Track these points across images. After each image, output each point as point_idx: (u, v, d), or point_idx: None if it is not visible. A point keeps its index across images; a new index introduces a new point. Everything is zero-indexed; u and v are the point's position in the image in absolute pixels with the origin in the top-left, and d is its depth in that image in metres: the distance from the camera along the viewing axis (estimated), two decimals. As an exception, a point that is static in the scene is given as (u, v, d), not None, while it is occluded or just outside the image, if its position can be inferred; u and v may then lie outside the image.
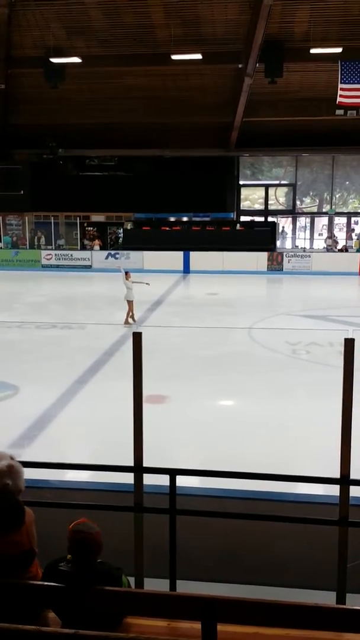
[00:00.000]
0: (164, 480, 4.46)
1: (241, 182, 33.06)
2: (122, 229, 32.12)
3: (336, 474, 4.28)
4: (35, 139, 29.49)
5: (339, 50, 23.20)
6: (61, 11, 24.26)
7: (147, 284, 17.23)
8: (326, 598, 4.38)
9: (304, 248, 31.74)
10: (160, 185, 30.73)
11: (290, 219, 33.93)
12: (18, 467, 3.61)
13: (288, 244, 33.47)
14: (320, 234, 33.65)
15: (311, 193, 33.81)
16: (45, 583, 3.31)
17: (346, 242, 31.10)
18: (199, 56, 23.60)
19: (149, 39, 24.72)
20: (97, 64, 25.67)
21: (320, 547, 4.74)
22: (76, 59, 24.72)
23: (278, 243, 31.85)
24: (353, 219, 33.37)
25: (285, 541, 4.99)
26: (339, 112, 25.60)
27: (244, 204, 33.70)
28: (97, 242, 31.74)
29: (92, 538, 3.38)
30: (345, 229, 33.12)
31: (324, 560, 4.55)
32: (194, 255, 28.51)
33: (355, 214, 33.41)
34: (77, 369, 12.15)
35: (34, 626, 2.90)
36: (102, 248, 31.24)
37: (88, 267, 29.53)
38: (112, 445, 7.34)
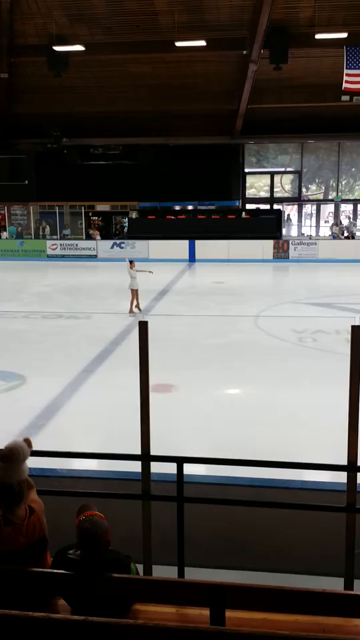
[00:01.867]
0: (171, 468, 4.48)
1: (246, 170, 32.95)
2: (127, 218, 32.06)
3: (343, 461, 4.29)
4: (39, 128, 29.44)
5: (344, 35, 23.05)
6: (64, -1, 24.18)
7: (150, 272, 17.22)
8: (334, 584, 4.40)
9: (310, 235, 31.63)
10: (165, 173, 30.64)
11: (296, 207, 33.81)
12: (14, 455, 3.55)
13: (294, 232, 33.37)
14: (326, 221, 33.54)
15: (317, 180, 33.69)
16: (55, 571, 3.33)
17: (350, 227, 30.98)
18: (203, 43, 23.47)
19: (152, 26, 24.57)
20: (101, 51, 25.57)
21: (328, 534, 4.75)
22: (79, 47, 24.62)
23: (284, 231, 31.75)
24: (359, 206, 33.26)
25: (293, 528, 5.01)
26: (345, 98, 25.49)
27: (250, 192, 33.60)
28: (96, 232, 31.70)
29: (101, 535, 3.35)
30: (351, 216, 32.98)
31: (332, 547, 4.56)
32: (199, 243, 28.45)
33: (362, 200, 33.30)
34: (83, 359, 12.17)
35: (44, 613, 2.92)
36: (103, 238, 31.17)
37: (93, 257, 29.52)
38: (119, 434, 7.36)
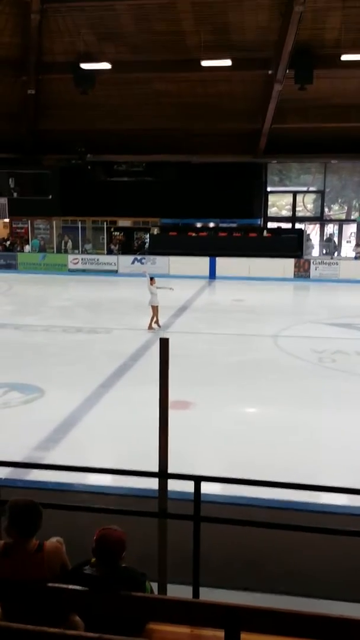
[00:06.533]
0: (187, 486, 4.45)
1: (269, 189, 32.96)
2: (148, 234, 32.20)
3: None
4: (64, 144, 29.70)
5: (370, 57, 23.04)
6: (92, 17, 24.44)
7: (170, 289, 17.24)
8: (353, 610, 4.34)
9: (332, 255, 31.55)
10: (188, 190, 30.75)
11: (318, 226, 33.75)
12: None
13: (315, 252, 33.29)
14: (348, 241, 33.43)
15: (339, 200, 33.61)
16: (70, 586, 3.32)
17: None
18: (228, 62, 23.60)
19: (178, 45, 24.77)
20: (127, 69, 25.78)
21: (347, 558, 4.69)
22: (106, 65, 24.86)
23: (305, 250, 31.72)
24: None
25: (311, 551, 4.95)
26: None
27: (271, 211, 33.59)
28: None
29: (117, 535, 3.42)
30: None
31: (351, 572, 4.50)
32: (220, 261, 28.49)
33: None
34: (102, 373, 12.19)
35: (59, 629, 2.90)
36: (123, 253, 31.28)
37: (114, 272, 29.65)
38: (136, 450, 7.35)
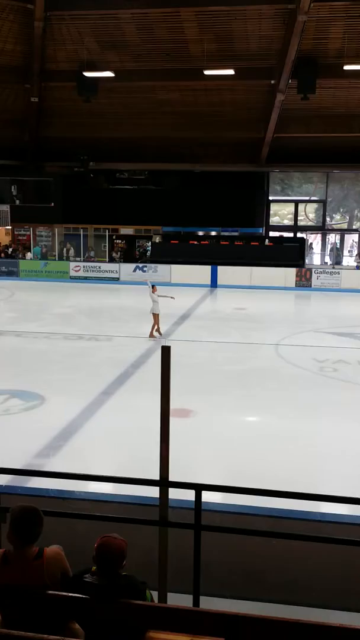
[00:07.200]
0: (187, 494, 4.44)
1: (271, 198, 33.03)
2: (150, 242, 32.24)
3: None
4: (66, 152, 29.79)
5: (372, 67, 23.15)
6: (95, 26, 24.59)
7: (172, 297, 17.26)
8: (353, 619, 4.33)
9: (333, 265, 31.59)
10: (190, 199, 30.83)
11: (319, 236, 33.80)
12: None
13: (317, 261, 33.33)
14: (349, 251, 33.48)
15: (341, 210, 33.67)
16: (70, 594, 3.32)
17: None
18: (231, 72, 23.70)
19: (182, 54, 24.90)
20: (130, 78, 25.91)
21: (347, 567, 4.68)
22: (109, 73, 24.97)
23: (306, 259, 31.76)
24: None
25: (311, 560, 4.94)
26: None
27: (273, 220, 33.65)
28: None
29: (118, 544, 3.42)
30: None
31: (350, 581, 4.50)
32: (221, 269, 28.51)
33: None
34: (103, 381, 12.19)
35: (59, 636, 2.90)
36: (125, 261, 31.36)
37: (116, 280, 29.68)
38: (136, 458, 7.35)
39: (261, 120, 27.46)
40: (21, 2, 23.83)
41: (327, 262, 32.48)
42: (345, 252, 33.36)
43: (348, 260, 32.61)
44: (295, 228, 32.92)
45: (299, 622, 3.16)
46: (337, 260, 32.01)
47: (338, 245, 33.09)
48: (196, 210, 30.84)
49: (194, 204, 30.73)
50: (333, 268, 29.78)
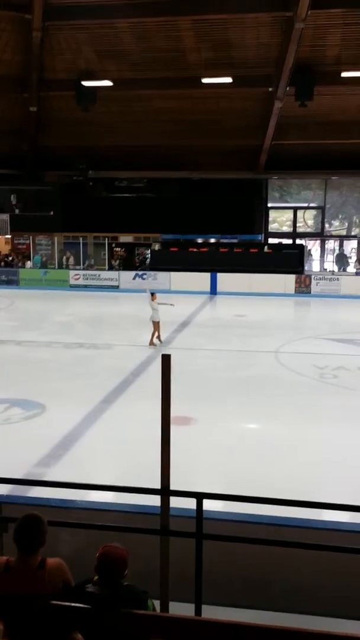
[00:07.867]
0: (188, 503, 4.43)
1: (269, 205, 33.07)
2: (149, 250, 32.29)
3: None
4: (65, 161, 29.86)
5: (370, 73, 23.23)
6: (93, 35, 24.67)
7: (171, 305, 17.26)
8: (356, 627, 4.31)
9: (333, 271, 31.60)
10: (189, 206, 30.88)
11: (318, 242, 33.83)
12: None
13: (316, 267, 33.34)
14: (349, 257, 33.47)
15: (340, 216, 33.71)
16: (72, 604, 3.30)
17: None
18: (229, 79, 23.78)
19: (179, 63, 24.97)
20: (128, 87, 25.99)
21: (350, 575, 4.66)
22: (107, 82, 25.05)
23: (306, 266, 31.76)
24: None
25: (313, 569, 4.92)
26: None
27: (272, 227, 33.70)
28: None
29: (120, 553, 3.41)
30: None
31: (354, 589, 4.48)
32: (221, 276, 28.54)
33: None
34: (103, 389, 12.19)
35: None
36: (124, 269, 31.41)
37: (115, 288, 29.70)
38: (137, 467, 7.33)
39: (259, 128, 27.53)
40: (19, 12, 23.91)
41: (326, 269, 32.45)
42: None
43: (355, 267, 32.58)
44: (294, 235, 32.96)
45: (302, 631, 3.14)
46: (343, 267, 31.83)
47: (344, 252, 33.01)
48: (195, 218, 30.88)
49: (193, 211, 30.78)
50: (332, 274, 29.79)
